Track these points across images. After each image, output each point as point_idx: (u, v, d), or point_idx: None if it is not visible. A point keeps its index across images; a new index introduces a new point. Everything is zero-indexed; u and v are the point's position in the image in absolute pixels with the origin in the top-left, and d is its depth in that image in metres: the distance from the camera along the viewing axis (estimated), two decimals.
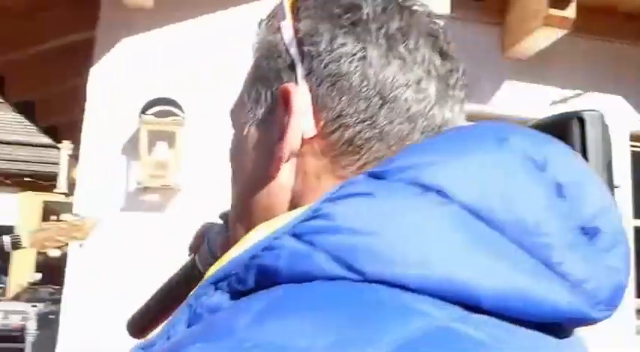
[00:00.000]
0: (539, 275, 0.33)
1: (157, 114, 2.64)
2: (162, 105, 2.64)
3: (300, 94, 0.43)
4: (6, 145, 9.98)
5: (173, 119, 2.64)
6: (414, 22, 0.45)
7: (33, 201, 10.03)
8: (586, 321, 0.35)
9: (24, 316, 5.55)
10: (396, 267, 0.32)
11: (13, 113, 9.39)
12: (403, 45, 0.43)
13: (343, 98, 0.42)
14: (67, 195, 7.59)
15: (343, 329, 0.29)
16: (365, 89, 0.42)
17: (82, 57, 2.86)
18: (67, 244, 2.09)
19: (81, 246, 2.24)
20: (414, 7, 0.46)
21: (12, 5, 2.71)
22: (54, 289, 6.93)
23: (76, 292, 2.65)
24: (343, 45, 0.43)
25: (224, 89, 2.83)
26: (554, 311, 0.33)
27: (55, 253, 2.14)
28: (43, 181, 9.26)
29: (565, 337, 0.36)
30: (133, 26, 2.76)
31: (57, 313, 3.35)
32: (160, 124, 2.63)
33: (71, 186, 7.16)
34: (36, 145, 9.74)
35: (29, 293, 7.43)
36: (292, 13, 0.45)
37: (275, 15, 0.47)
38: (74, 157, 6.44)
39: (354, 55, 0.42)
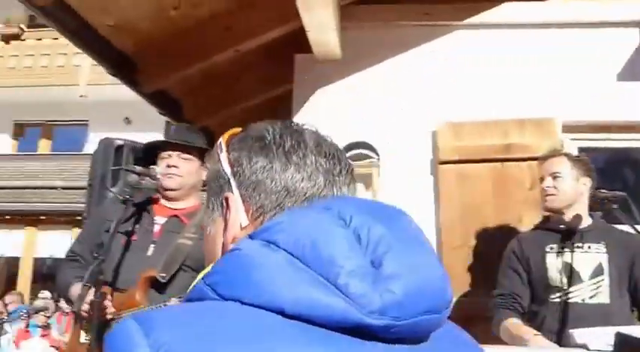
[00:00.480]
0: (329, 291, 0.53)
1: (354, 158, 2.78)
2: (358, 149, 2.78)
3: (234, 199, 0.69)
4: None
5: (369, 161, 2.76)
6: (302, 139, 0.70)
7: None
8: (364, 326, 0.53)
9: None
10: (239, 291, 0.56)
11: None
12: (295, 155, 0.69)
13: (261, 195, 0.68)
14: None
15: (198, 325, 0.54)
16: (274, 187, 0.67)
17: (281, 109, 3.12)
18: None
19: None
20: (304, 128, 0.73)
21: (222, 71, 3.07)
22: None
23: None
24: (257, 162, 0.68)
25: (414, 129, 2.93)
26: (338, 317, 0.53)
27: None
28: None
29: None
30: (325, 77, 2.97)
31: None
32: (357, 167, 2.76)
33: None
34: None
35: None
36: (226, 148, 0.72)
37: (216, 151, 0.74)
38: None
39: (264, 167, 0.68)
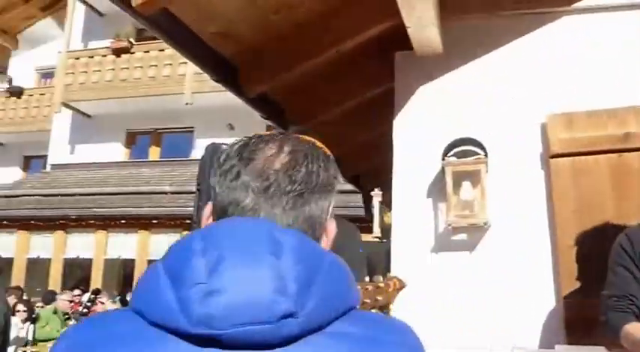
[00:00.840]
0: (173, 303, 0.65)
1: (459, 155, 2.69)
2: (463, 146, 2.68)
3: (209, 206, 0.84)
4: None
5: (476, 158, 2.66)
6: (238, 163, 0.81)
7: None
8: (194, 335, 0.64)
9: None
10: (132, 299, 0.71)
11: None
12: (228, 179, 0.80)
13: (216, 208, 0.82)
14: (380, 239, 8.15)
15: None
16: (217, 204, 0.81)
17: (384, 108, 3.08)
18: (373, 308, 1.97)
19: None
20: (244, 155, 0.81)
21: (323, 73, 3.08)
22: None
23: None
24: (212, 180, 0.83)
25: (522, 122, 2.79)
26: (174, 325, 0.65)
27: None
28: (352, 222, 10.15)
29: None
30: (427, 73, 2.89)
31: None
32: (464, 164, 2.67)
33: (383, 230, 7.71)
34: (341, 192, 10.76)
35: None
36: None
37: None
38: (384, 203, 6.96)
39: (214, 188, 0.82)
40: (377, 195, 7.36)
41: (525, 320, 2.55)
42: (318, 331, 0.68)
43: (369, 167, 4.78)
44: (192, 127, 14.48)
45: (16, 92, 17.22)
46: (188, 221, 9.25)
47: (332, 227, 0.89)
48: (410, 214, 2.87)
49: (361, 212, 7.85)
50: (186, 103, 13.57)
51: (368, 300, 1.92)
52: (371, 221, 8.36)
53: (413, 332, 0.79)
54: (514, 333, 2.53)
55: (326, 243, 0.88)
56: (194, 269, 0.67)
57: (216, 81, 3.03)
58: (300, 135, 0.91)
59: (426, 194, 2.86)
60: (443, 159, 2.72)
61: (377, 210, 8.08)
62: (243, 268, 0.67)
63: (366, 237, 10.00)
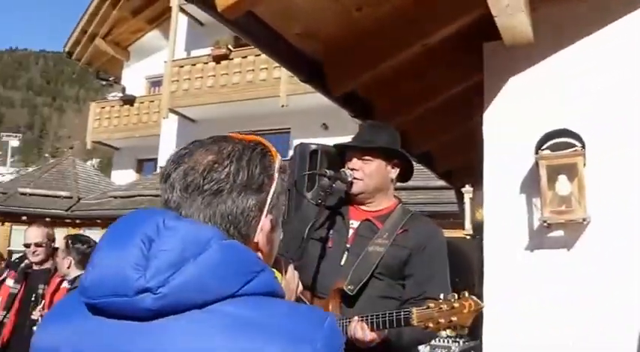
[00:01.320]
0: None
1: (554, 148, 2.55)
2: (558, 138, 2.54)
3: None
4: (406, 190, 11.12)
5: (572, 150, 2.51)
6: (170, 167, 0.93)
7: None
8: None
9: (448, 351, 5.85)
10: None
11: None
12: (162, 181, 0.95)
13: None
14: (473, 236, 8.00)
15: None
16: (161, 204, 0.96)
17: (475, 101, 3.00)
18: (448, 328, 1.91)
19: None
20: (177, 160, 0.93)
21: (410, 68, 3.03)
22: None
23: (492, 329, 2.70)
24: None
25: (621, 110, 2.60)
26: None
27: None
28: (442, 220, 9.98)
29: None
30: (517, 63, 2.77)
31: (478, 349, 3.47)
32: (559, 158, 2.54)
33: (475, 226, 7.53)
34: (433, 188, 10.58)
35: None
36: None
37: None
38: (474, 199, 6.80)
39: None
40: (468, 191, 7.21)
41: (626, 324, 2.38)
42: (202, 308, 0.77)
43: (461, 163, 4.66)
44: (288, 128, 14.79)
45: (129, 100, 18.41)
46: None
47: (266, 224, 0.93)
48: (502, 211, 2.77)
49: (453, 208, 7.70)
50: (282, 105, 13.89)
51: (442, 320, 1.87)
52: (462, 217, 8.18)
53: (320, 326, 0.80)
54: (613, 336, 2.37)
55: (262, 239, 0.93)
56: (95, 250, 0.84)
57: (304, 81, 3.08)
58: (244, 137, 1.00)
59: (519, 189, 2.75)
60: (536, 153, 2.59)
61: (468, 207, 7.92)
62: (113, 249, 0.81)
63: (457, 234, 9.80)
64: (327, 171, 2.25)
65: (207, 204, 0.89)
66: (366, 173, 2.33)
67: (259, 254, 0.92)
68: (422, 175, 10.70)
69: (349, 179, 2.28)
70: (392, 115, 3.50)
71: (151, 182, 16.54)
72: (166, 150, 17.01)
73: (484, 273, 2.76)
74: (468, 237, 8.36)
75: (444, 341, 6.16)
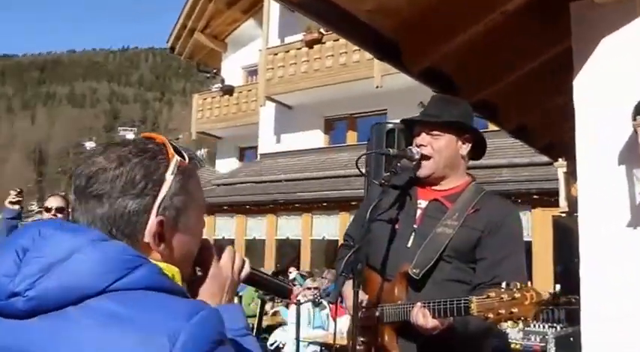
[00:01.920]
0: None
1: None
2: None
3: None
4: (505, 168, 10.68)
5: None
6: (75, 170, 0.99)
7: (543, 216, 10.41)
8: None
9: (543, 337, 5.59)
10: None
11: (509, 138, 10.01)
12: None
13: None
14: (568, 213, 7.54)
15: None
16: None
17: (562, 69, 2.78)
18: (509, 319, 1.80)
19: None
20: (81, 163, 0.99)
21: (489, 38, 2.86)
22: (575, 299, 6.78)
23: (592, 314, 2.52)
24: None
25: None
26: None
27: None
28: (548, 197, 9.48)
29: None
30: (609, 24, 2.53)
31: (576, 335, 3.26)
32: None
33: (571, 203, 7.08)
34: (538, 164, 10.09)
35: (545, 314, 7.52)
36: None
37: None
38: (569, 173, 6.38)
39: None
40: (561, 165, 6.75)
41: None
42: (76, 304, 0.84)
43: (558, 136, 4.37)
44: (384, 109, 14.63)
45: (228, 90, 19.04)
46: None
47: (153, 226, 0.97)
48: (598, 184, 2.56)
49: (551, 185, 7.27)
50: (377, 86, 13.75)
51: (502, 311, 1.77)
52: (556, 194, 7.70)
53: (186, 319, 0.82)
54: None
55: (152, 240, 0.97)
56: None
57: (380, 59, 3.00)
58: (149, 137, 1.03)
59: (617, 161, 2.52)
60: (634, 119, 2.36)
61: (562, 182, 7.42)
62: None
63: (553, 212, 9.24)
64: (391, 149, 2.17)
65: (89, 208, 0.96)
66: (435, 149, 2.22)
67: (156, 254, 0.98)
68: (527, 152, 10.26)
69: (416, 156, 2.19)
70: (476, 89, 3.34)
71: (251, 169, 17.07)
72: (265, 137, 17.44)
73: (580, 253, 2.57)
74: (563, 215, 7.86)
75: (539, 327, 5.85)
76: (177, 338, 0.80)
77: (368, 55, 13.89)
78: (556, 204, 8.69)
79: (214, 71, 21.27)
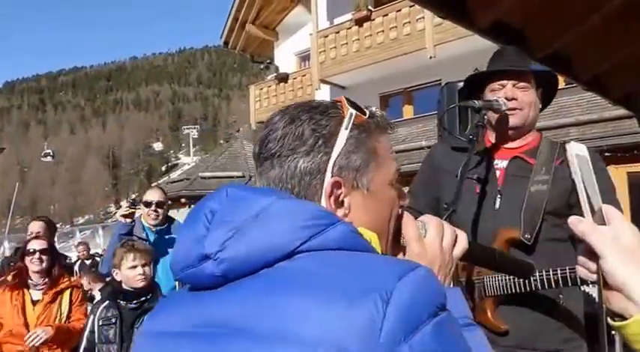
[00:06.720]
0: None
1: None
2: None
3: None
4: (573, 127, 10.19)
5: None
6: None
7: (616, 174, 9.92)
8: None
9: None
10: None
11: (573, 95, 9.52)
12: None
13: None
14: None
15: None
16: None
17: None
18: None
19: None
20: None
21: None
22: None
23: None
24: None
25: None
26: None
27: None
28: (623, 153, 8.99)
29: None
30: None
31: None
32: None
33: None
34: (604, 120, 9.58)
35: None
36: None
37: None
38: None
39: None
40: None
41: None
42: (272, 266, 0.77)
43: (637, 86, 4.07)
44: (439, 80, 14.27)
45: (283, 78, 19.10)
46: None
47: (328, 187, 0.87)
48: None
49: (624, 140, 6.83)
50: (430, 57, 13.42)
51: None
52: (631, 149, 7.22)
53: (395, 279, 0.70)
54: None
55: (330, 203, 0.87)
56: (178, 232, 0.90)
57: (442, 17, 2.85)
58: (322, 101, 0.94)
59: None
60: None
61: None
62: (186, 227, 0.86)
63: (628, 168, 8.69)
64: (476, 101, 2.02)
65: (264, 170, 0.91)
66: (525, 102, 2.07)
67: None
68: (596, 108, 9.74)
69: (503, 108, 2.04)
70: (549, 41, 3.12)
71: None
72: None
73: None
74: None
75: None
76: (389, 297, 0.68)
77: (419, 26, 13.57)
78: (632, 160, 8.18)
79: (268, 61, 21.37)
